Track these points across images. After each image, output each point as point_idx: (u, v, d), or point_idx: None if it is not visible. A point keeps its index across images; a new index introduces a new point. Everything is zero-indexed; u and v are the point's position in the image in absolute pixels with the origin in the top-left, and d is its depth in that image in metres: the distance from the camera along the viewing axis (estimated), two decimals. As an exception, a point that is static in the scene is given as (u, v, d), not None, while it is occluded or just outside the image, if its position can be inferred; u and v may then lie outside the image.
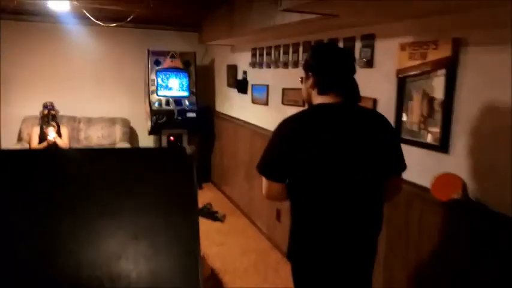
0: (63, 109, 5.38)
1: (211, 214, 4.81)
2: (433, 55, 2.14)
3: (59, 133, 5.11)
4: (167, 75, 5.63)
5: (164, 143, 5.58)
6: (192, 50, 5.81)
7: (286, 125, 1.72)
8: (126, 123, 5.87)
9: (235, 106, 5.31)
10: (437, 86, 2.14)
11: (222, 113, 5.81)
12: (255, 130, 4.56)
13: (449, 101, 2.07)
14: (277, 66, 4.01)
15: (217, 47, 5.81)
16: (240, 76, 5.06)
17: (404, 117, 2.39)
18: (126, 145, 5.61)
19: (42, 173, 1.46)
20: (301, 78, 1.84)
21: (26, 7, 4.63)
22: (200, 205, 4.89)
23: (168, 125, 5.48)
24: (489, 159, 1.92)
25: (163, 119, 5.42)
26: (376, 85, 2.63)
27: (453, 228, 2.10)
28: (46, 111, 5.12)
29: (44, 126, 5.06)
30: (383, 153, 1.72)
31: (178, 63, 5.66)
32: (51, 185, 1.50)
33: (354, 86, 1.76)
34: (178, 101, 5.60)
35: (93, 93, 5.84)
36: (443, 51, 2.07)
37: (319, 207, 1.69)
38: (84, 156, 1.88)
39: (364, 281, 1.86)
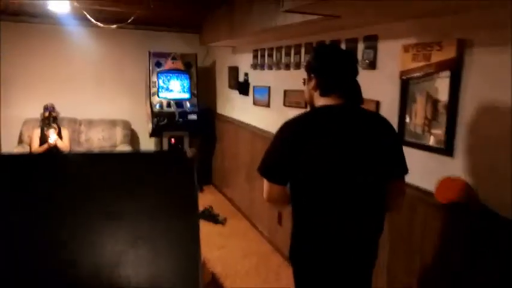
0: (63, 111, 5.36)
1: (212, 217, 4.78)
2: (437, 56, 2.10)
3: (59, 135, 5.09)
4: (168, 77, 5.60)
5: (165, 145, 5.56)
6: (193, 52, 5.79)
7: (288, 127, 1.72)
8: (127, 125, 5.84)
9: (237, 108, 5.28)
10: (442, 88, 2.10)
11: (223, 115, 5.79)
12: (257, 132, 4.52)
13: (454, 103, 2.03)
14: (278, 68, 3.98)
15: (218, 49, 5.78)
16: (241, 78, 5.03)
17: (407, 120, 2.35)
18: (127, 147, 5.58)
19: (43, 177, 1.48)
20: (304, 79, 1.83)
21: (26, 8, 4.62)
22: (201, 208, 4.86)
23: (169, 127, 5.45)
24: (495, 162, 1.88)
25: (165, 121, 5.40)
26: (379, 87, 2.59)
27: (458, 233, 2.06)
28: (47, 113, 5.10)
29: (45, 129, 5.03)
30: (385, 156, 1.71)
31: (179, 64, 5.63)
32: (52, 188, 1.51)
33: (356, 88, 1.75)
34: (179, 103, 5.57)
35: (94, 95, 5.82)
36: (448, 53, 2.03)
37: (320, 208, 1.69)
38: (85, 161, 1.87)
39: (365, 282, 1.86)
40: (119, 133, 5.74)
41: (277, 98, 4.04)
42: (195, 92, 5.71)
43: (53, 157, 2.21)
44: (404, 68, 2.33)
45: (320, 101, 1.74)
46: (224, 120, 5.73)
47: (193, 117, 5.55)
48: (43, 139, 5.01)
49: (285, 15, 2.76)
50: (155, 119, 5.37)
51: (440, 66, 2.08)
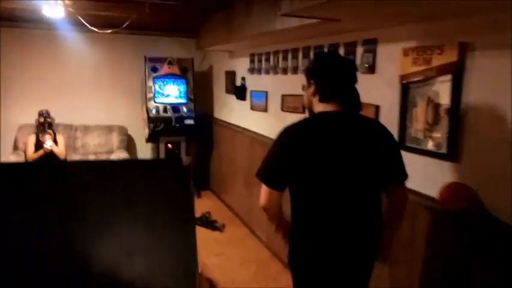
0: (59, 117, 5.31)
1: (210, 223, 4.72)
2: (438, 60, 2.06)
3: (55, 141, 5.03)
4: (164, 82, 5.56)
5: (162, 150, 5.51)
6: (189, 56, 5.75)
7: (287, 133, 1.74)
8: (123, 130, 5.79)
9: (234, 113, 5.24)
10: (443, 92, 2.07)
11: (221, 120, 5.74)
12: (254, 137, 4.48)
13: (456, 108, 1.99)
14: (276, 72, 3.94)
15: (215, 53, 5.75)
16: (238, 82, 4.99)
17: (408, 125, 2.31)
18: (123, 153, 5.53)
19: (40, 186, 1.52)
20: (303, 85, 1.85)
21: (20, 14, 4.57)
22: (199, 214, 4.81)
23: (166, 132, 5.40)
24: (499, 167, 1.84)
25: (161, 126, 5.35)
26: (378, 91, 2.55)
27: (462, 240, 2.02)
28: (42, 119, 5.04)
29: (40, 135, 4.98)
30: (383, 162, 1.73)
31: (175, 69, 5.59)
32: (48, 198, 1.53)
33: (355, 95, 1.78)
34: (176, 107, 5.53)
35: (90, 101, 5.77)
36: (449, 56, 2.00)
37: (319, 213, 1.71)
38: (80, 169, 1.84)
39: (363, 285, 1.89)
40: (115, 139, 5.68)
41: (274, 103, 4.00)
42: (192, 96, 5.67)
43: (49, 166, 2.19)
44: (405, 72, 2.29)
45: (319, 107, 1.76)
46: (221, 125, 5.68)
47: (190, 122, 5.51)
48: (38, 145, 4.96)
49: (282, 19, 2.73)
50: (152, 124, 5.33)
51: (442, 70, 2.05)
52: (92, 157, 5.54)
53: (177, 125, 5.41)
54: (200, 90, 5.95)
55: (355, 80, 1.78)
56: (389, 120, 2.40)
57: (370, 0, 1.80)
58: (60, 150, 5.06)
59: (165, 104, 5.49)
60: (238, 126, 5.04)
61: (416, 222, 2.25)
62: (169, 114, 5.44)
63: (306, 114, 1.90)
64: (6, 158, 4.99)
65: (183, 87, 5.64)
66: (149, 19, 4.49)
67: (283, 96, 3.80)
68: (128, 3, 3.72)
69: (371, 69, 2.61)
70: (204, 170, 6.21)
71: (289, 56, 3.66)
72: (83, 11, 4.05)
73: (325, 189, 1.69)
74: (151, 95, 5.45)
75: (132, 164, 2.64)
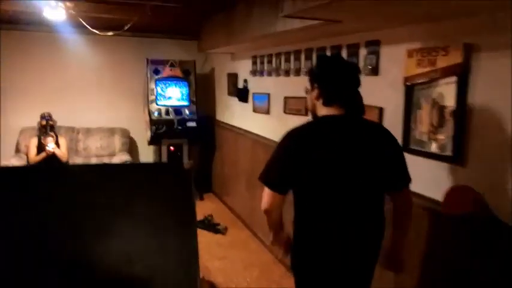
0: (61, 120, 5.30)
1: (212, 226, 4.69)
2: (442, 62, 2.03)
3: (57, 144, 5.03)
4: (167, 84, 5.53)
5: (164, 153, 5.48)
6: (191, 59, 5.73)
7: (291, 136, 1.76)
8: (125, 133, 5.77)
9: (236, 115, 5.21)
10: (448, 93, 2.03)
11: (223, 122, 5.72)
12: (257, 139, 4.45)
13: (462, 110, 1.96)
14: (278, 74, 3.91)
15: (217, 55, 5.73)
16: (240, 84, 4.97)
17: (412, 127, 2.28)
18: (125, 155, 5.50)
19: (42, 189, 1.55)
20: (306, 89, 1.87)
21: (21, 16, 4.56)
22: (201, 216, 4.79)
23: (168, 135, 5.38)
24: (507, 170, 1.81)
25: (163, 128, 5.33)
26: (381, 93, 2.52)
27: (468, 244, 1.98)
28: (44, 122, 5.04)
29: (42, 137, 4.97)
30: (386, 166, 1.75)
31: (177, 72, 5.57)
32: (50, 202, 1.55)
33: (358, 99, 1.79)
34: (178, 110, 5.50)
35: (92, 103, 5.75)
36: (454, 58, 1.96)
37: (321, 217, 1.73)
38: (82, 173, 1.83)
39: (365, 283, 1.90)
40: (117, 141, 5.66)
41: (277, 105, 3.97)
42: (194, 99, 5.64)
43: (51, 170, 2.18)
44: (409, 74, 2.26)
45: (322, 111, 1.77)
46: (224, 127, 5.66)
47: (193, 124, 5.48)
48: (40, 148, 4.95)
49: (284, 20, 2.71)
50: (154, 127, 5.30)
51: (447, 72, 2.01)
52: (94, 160, 5.52)
53: (179, 127, 5.39)
54: (202, 93, 5.93)
55: (358, 84, 1.79)
56: (393, 122, 2.37)
57: (371, 0, 1.78)
58: (62, 152, 5.05)
59: (167, 107, 5.47)
60: (240, 129, 5.01)
61: (420, 226, 2.21)
62: (172, 116, 5.41)
63: (309, 117, 1.92)
64: (8, 161, 4.97)
65: (185, 90, 5.61)
66: (150, 21, 4.48)
67: (285, 98, 3.77)
68: (129, 6, 3.70)
69: (374, 71, 2.57)
70: (206, 172, 6.18)
71: (292, 57, 3.63)
72: (84, 13, 4.04)
73: (328, 192, 1.71)
74: (153, 97, 5.42)
75: (134, 167, 2.63)
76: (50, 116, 5.10)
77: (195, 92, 5.65)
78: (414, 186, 1.89)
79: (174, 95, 5.56)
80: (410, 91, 2.27)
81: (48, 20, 3.93)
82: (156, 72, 5.46)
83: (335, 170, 1.69)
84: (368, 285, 1.90)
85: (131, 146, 5.90)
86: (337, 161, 1.68)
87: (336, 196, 1.71)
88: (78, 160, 5.43)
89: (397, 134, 2.23)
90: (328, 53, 3.06)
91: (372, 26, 2.49)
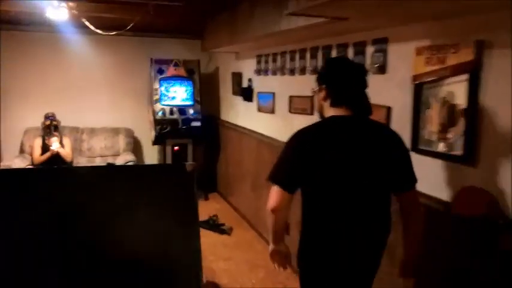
0: (65, 120, 5.28)
1: (217, 226, 4.66)
2: (453, 59, 1.97)
3: (61, 144, 5.02)
4: (171, 84, 5.50)
5: (168, 153, 5.45)
6: (195, 58, 5.69)
7: (299, 136, 1.78)
8: (129, 133, 5.75)
9: (241, 114, 5.17)
10: (459, 92, 1.97)
11: (227, 122, 5.68)
12: (261, 139, 4.41)
13: (474, 108, 1.90)
14: (283, 73, 3.86)
15: (221, 55, 5.69)
16: (245, 84, 4.92)
17: (421, 126, 2.22)
18: (129, 155, 5.48)
19: (46, 191, 1.57)
20: (314, 90, 1.89)
21: (23, 17, 4.54)
22: (206, 217, 4.75)
23: (172, 135, 5.35)
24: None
25: (167, 128, 5.30)
26: (389, 92, 2.46)
27: (479, 247, 1.92)
28: (48, 122, 5.03)
29: (46, 137, 4.96)
30: (392, 167, 1.76)
31: (182, 71, 5.53)
32: (53, 203, 1.57)
33: (365, 100, 1.81)
34: (182, 109, 5.46)
35: (96, 103, 5.74)
36: (465, 55, 1.91)
37: (329, 215, 1.76)
38: (84, 175, 1.80)
39: (368, 282, 1.93)
40: (121, 141, 5.65)
41: (282, 104, 3.92)
42: (198, 98, 5.60)
43: (54, 171, 2.16)
44: (417, 72, 2.20)
45: (330, 112, 1.80)
46: (228, 127, 5.62)
47: (197, 124, 5.45)
48: (44, 148, 4.94)
49: (288, 19, 2.66)
50: (158, 127, 5.28)
51: (457, 70, 1.95)
52: (98, 160, 5.51)
53: (184, 127, 5.36)
54: (207, 92, 5.89)
55: (365, 85, 1.81)
56: (401, 122, 2.32)
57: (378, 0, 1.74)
58: (66, 152, 5.03)
59: (171, 106, 5.43)
60: (245, 128, 4.97)
61: (428, 227, 2.15)
62: (176, 116, 5.38)
63: (314, 116, 1.97)
64: (11, 161, 4.96)
65: (189, 89, 5.58)
66: (153, 21, 4.45)
67: (290, 97, 3.72)
68: (131, 5, 3.67)
69: (382, 69, 2.52)
70: (211, 172, 6.15)
71: (297, 56, 3.57)
72: (87, 13, 4.02)
73: (334, 192, 1.74)
74: (157, 97, 5.39)
75: (135, 169, 2.60)
76: (54, 116, 5.09)
77: (199, 91, 5.61)
78: (422, 187, 1.86)
79: (178, 95, 5.53)
80: (419, 90, 2.22)
81: (49, 20, 3.91)
82: (160, 71, 5.43)
83: (344, 171, 1.71)
84: (370, 284, 1.93)
85: (135, 146, 5.88)
86: (345, 162, 1.71)
87: (344, 196, 1.74)
88: (82, 160, 5.42)
89: (406, 133, 2.18)
90: (335, 51, 3.01)
91: (377, 24, 2.44)
